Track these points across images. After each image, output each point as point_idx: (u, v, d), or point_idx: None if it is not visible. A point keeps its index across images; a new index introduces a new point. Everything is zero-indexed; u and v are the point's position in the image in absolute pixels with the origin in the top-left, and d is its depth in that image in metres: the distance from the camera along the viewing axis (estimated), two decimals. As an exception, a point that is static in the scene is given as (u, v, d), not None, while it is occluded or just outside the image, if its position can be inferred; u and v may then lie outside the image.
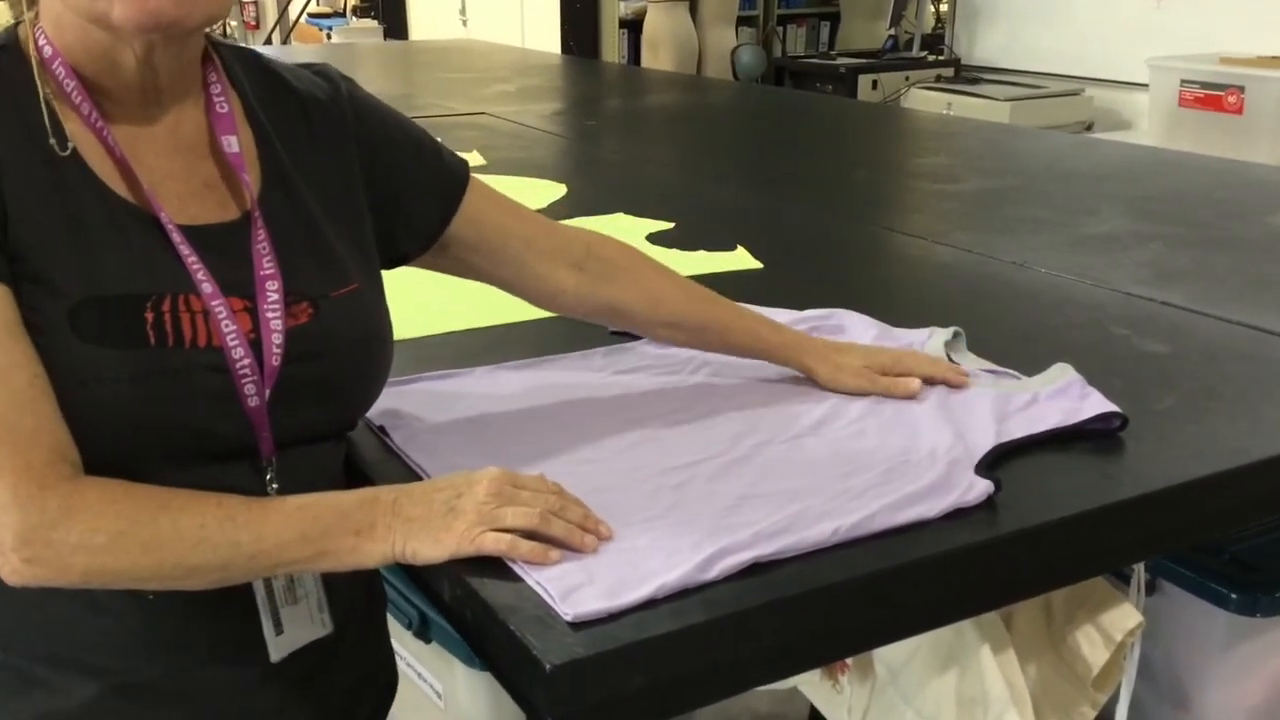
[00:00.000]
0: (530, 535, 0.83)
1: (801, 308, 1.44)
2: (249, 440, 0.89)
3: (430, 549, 0.83)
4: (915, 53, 5.59)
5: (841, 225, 1.94)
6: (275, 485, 0.90)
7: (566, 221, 1.94)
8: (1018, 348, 1.30)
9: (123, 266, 0.86)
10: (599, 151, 2.72)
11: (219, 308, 0.87)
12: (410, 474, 1.01)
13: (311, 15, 8.18)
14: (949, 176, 2.29)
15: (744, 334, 1.20)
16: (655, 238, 1.83)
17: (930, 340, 1.28)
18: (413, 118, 2.78)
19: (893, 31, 5.69)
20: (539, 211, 1.95)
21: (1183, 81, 4.23)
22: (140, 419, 0.84)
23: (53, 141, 0.85)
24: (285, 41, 7.43)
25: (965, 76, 5.25)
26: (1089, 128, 4.84)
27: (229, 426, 0.88)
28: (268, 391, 0.88)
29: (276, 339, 0.89)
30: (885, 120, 3.26)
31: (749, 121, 3.24)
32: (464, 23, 7.23)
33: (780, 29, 6.85)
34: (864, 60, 5.53)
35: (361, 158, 1.04)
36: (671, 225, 1.89)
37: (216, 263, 0.89)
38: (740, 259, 1.71)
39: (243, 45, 1.08)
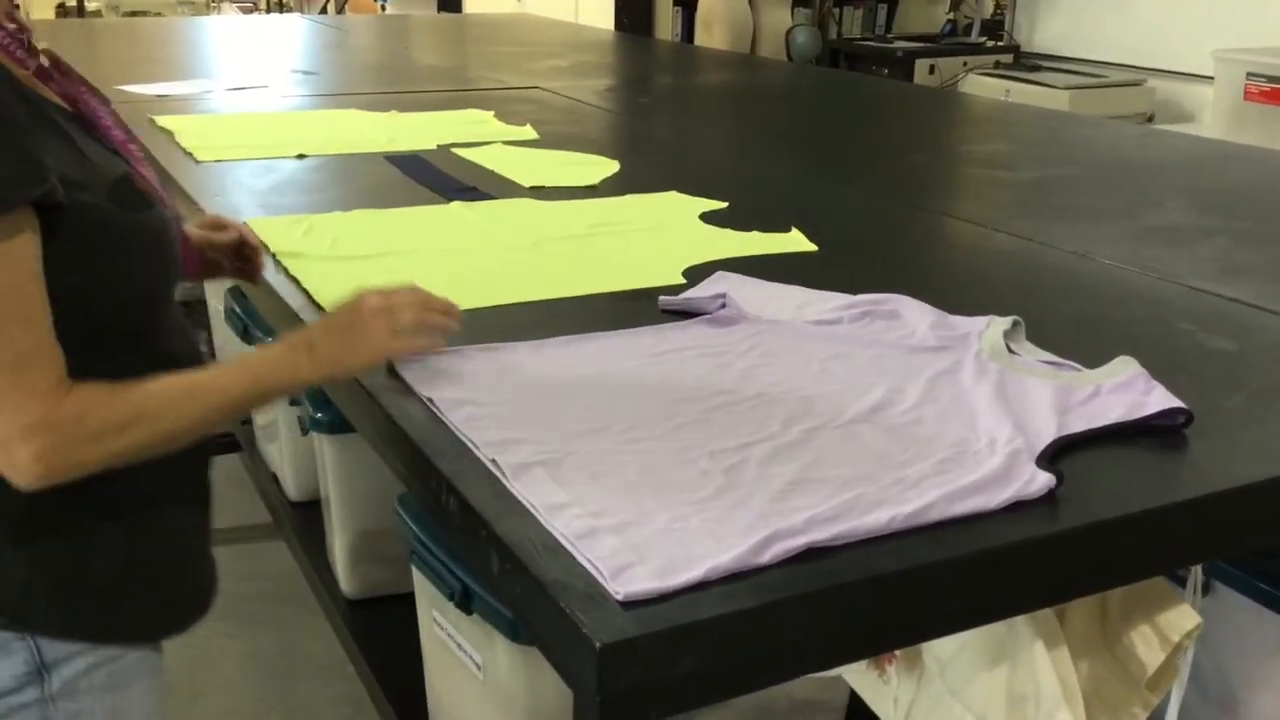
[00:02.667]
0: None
1: (856, 292, 1.41)
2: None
3: (355, 362, 1.09)
4: (974, 38, 5.50)
5: (898, 210, 1.91)
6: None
7: (619, 199, 1.94)
8: (1079, 339, 1.27)
9: (98, 156, 1.04)
10: (652, 129, 2.70)
11: (148, 173, 1.09)
12: (459, 444, 1.00)
13: (366, -14, 8.18)
14: (1008, 163, 2.25)
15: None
16: (708, 217, 1.81)
17: (989, 329, 1.25)
18: (465, 90, 2.81)
19: (952, 16, 5.61)
20: (593, 188, 1.94)
21: (1249, 75, 4.12)
22: (168, 262, 1.09)
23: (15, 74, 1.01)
24: (340, 11, 7.44)
25: (1024, 63, 5.16)
26: (1150, 119, 4.75)
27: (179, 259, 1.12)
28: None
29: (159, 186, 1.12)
30: (942, 105, 3.21)
31: (804, 103, 3.20)
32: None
33: (837, 10, 6.76)
34: (921, 44, 5.45)
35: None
36: (724, 205, 1.87)
37: (102, 137, 1.08)
38: (795, 241, 1.68)
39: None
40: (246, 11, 7.76)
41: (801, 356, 1.21)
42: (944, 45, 5.48)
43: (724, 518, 0.87)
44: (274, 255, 1.54)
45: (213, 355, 2.83)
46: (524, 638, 1.44)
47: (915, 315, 1.31)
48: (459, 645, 1.64)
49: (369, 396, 1.12)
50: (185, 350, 1.13)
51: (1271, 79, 4.04)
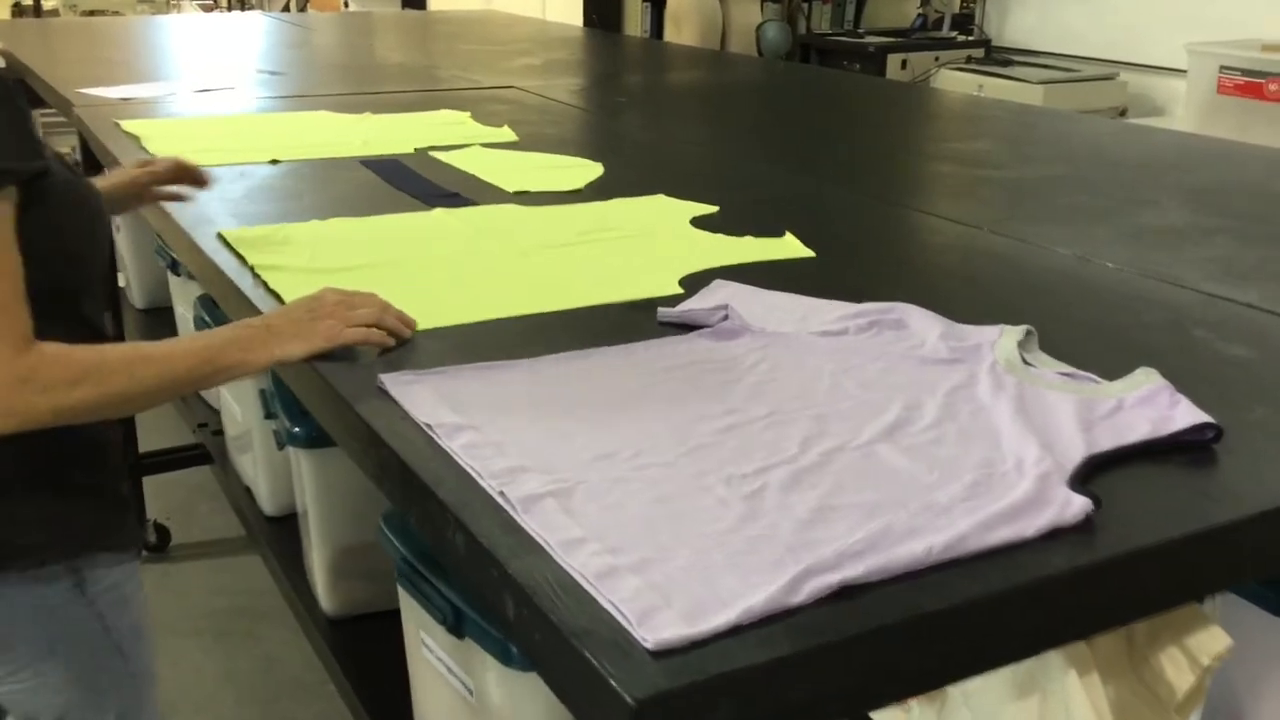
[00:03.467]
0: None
1: (859, 300, 1.37)
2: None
3: (302, 347, 1.14)
4: (945, 32, 5.48)
5: (889, 211, 1.87)
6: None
7: (606, 203, 1.89)
8: (1090, 348, 1.24)
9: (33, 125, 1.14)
10: (631, 129, 2.64)
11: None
12: (462, 473, 0.95)
13: (328, -18, 8.06)
14: (994, 162, 2.21)
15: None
16: (699, 222, 1.76)
17: (1001, 339, 1.21)
18: (439, 90, 2.75)
19: (922, 10, 5.59)
20: (578, 193, 1.88)
21: (1222, 68, 4.13)
22: (101, 228, 1.26)
23: None
24: (302, 9, 7.33)
25: (996, 58, 5.15)
26: (1123, 113, 4.75)
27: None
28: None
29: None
30: (920, 101, 3.18)
31: (781, 100, 3.16)
32: (484, -7, 7.12)
33: (805, 5, 6.74)
34: (893, 39, 5.42)
35: None
36: (715, 209, 1.82)
37: None
38: (790, 246, 1.64)
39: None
40: (207, 10, 7.62)
41: (811, 371, 1.16)
42: (915, 40, 5.46)
43: (748, 551, 0.82)
44: (252, 268, 1.48)
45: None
46: (517, 663, 1.39)
47: (923, 325, 1.27)
48: (449, 669, 1.59)
49: (362, 423, 1.06)
50: (101, 322, 1.26)
51: (1245, 72, 4.05)
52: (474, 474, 0.94)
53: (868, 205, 1.91)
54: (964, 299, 1.40)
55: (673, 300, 1.39)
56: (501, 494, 0.90)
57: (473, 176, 2.03)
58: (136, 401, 1.11)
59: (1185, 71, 4.35)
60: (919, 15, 5.75)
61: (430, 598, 1.54)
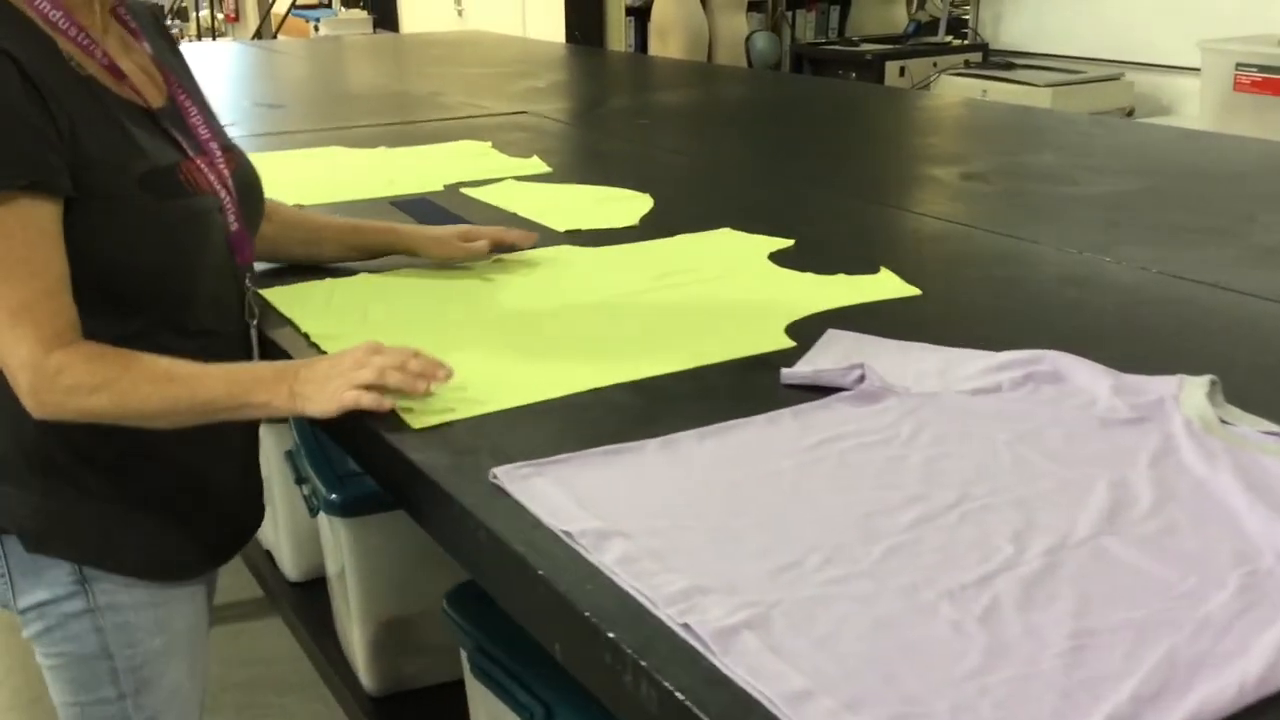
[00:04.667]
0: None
1: (989, 345, 1.23)
2: (231, 256, 1.25)
3: (314, 407, 1.10)
4: (940, 37, 5.37)
5: (980, 238, 1.72)
6: (250, 286, 1.29)
7: (671, 241, 1.74)
8: (1267, 395, 1.10)
9: (149, 145, 1.16)
10: (661, 153, 2.49)
11: (203, 166, 1.21)
12: (624, 598, 0.79)
13: (297, 6, 7.89)
14: (1066, 177, 2.08)
15: (348, 230, 1.56)
16: (779, 258, 1.61)
17: (1185, 392, 1.07)
18: (450, 119, 2.54)
19: (917, 16, 5.48)
20: (634, 228, 1.73)
21: (1238, 65, 4.03)
22: (193, 246, 1.19)
23: (71, 65, 1.13)
24: (274, 36, 7.14)
25: (996, 61, 5.04)
26: (1130, 113, 4.65)
27: (223, 247, 1.23)
28: (238, 218, 1.25)
29: (229, 181, 1.25)
30: (955, 112, 3.05)
31: (807, 115, 3.02)
32: (459, 12, 6.96)
33: (790, 14, 6.63)
34: (888, 46, 5.31)
35: (179, 59, 1.36)
36: (790, 243, 1.67)
37: (180, 134, 1.22)
38: (890, 284, 1.49)
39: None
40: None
41: (982, 441, 1.01)
42: (911, 46, 5.34)
43: (1018, 699, 0.67)
44: (306, 337, 1.32)
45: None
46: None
47: (1086, 377, 1.12)
48: (536, 770, 1.43)
49: (487, 533, 0.90)
50: (219, 330, 1.22)
51: (1262, 68, 3.95)
52: (642, 599, 0.79)
53: (953, 232, 1.76)
54: (1105, 340, 1.26)
55: (785, 354, 1.24)
56: (686, 626, 0.75)
57: (514, 215, 1.87)
58: (156, 419, 1.12)
59: (1192, 69, 4.26)
60: (912, 21, 5.64)
61: (513, 693, 1.38)
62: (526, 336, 1.31)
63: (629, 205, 1.91)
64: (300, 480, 2.01)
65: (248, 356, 1.30)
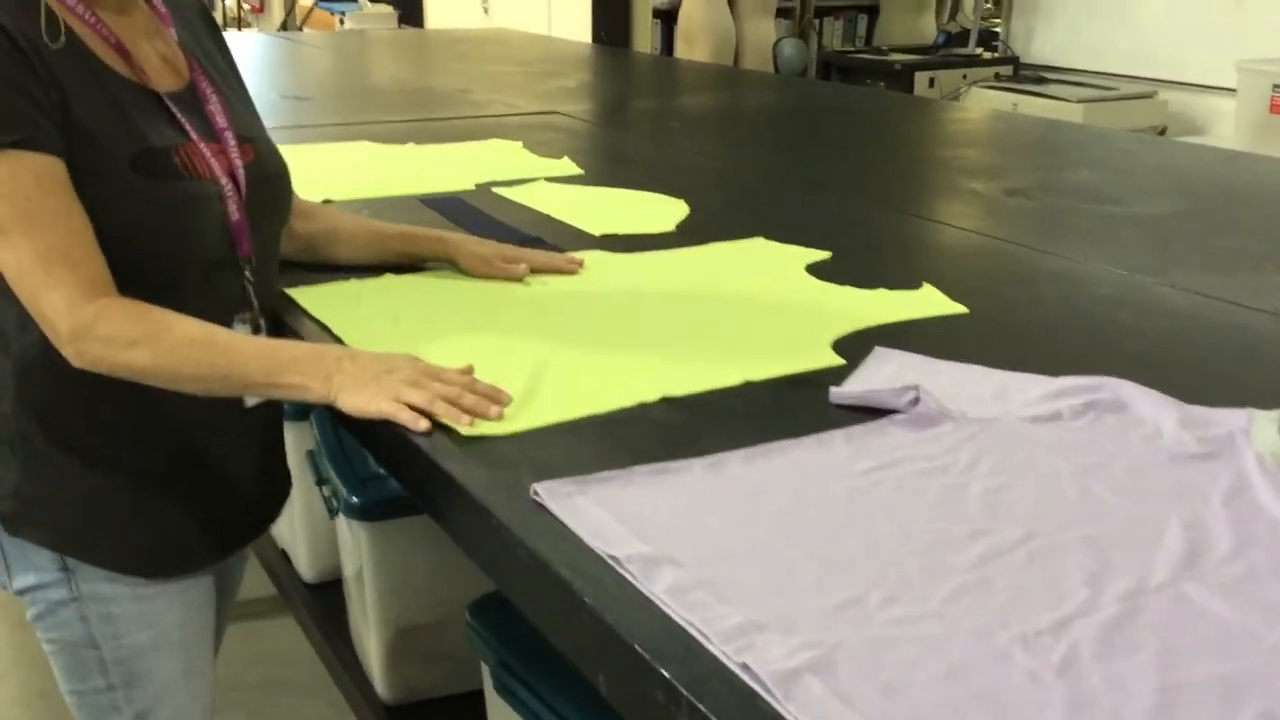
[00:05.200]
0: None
1: (1042, 369, 1.18)
2: (231, 247, 1.21)
3: (351, 401, 1.06)
4: (970, 49, 5.32)
5: (1026, 256, 1.67)
6: (251, 279, 1.23)
7: (705, 249, 1.69)
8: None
9: (148, 126, 1.14)
10: (692, 158, 2.45)
11: (206, 152, 1.19)
12: (674, 629, 0.75)
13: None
14: (1110, 196, 2.03)
15: (397, 237, 1.51)
16: (816, 270, 1.56)
17: (1255, 426, 1.02)
18: (480, 117, 2.51)
19: (948, 26, 5.43)
20: (669, 235, 1.68)
21: (1275, 86, 3.98)
22: (183, 230, 1.16)
23: (62, 39, 1.10)
24: (299, 28, 7.12)
25: (1026, 75, 4.99)
26: (1162, 131, 4.59)
27: (219, 235, 1.19)
28: (240, 209, 1.20)
29: (240, 172, 1.22)
30: (985, 125, 3.00)
31: (841, 123, 2.97)
32: (485, 9, 6.93)
33: (817, 22, 6.58)
34: (918, 57, 5.26)
35: (219, 46, 1.35)
36: (827, 255, 1.62)
37: (190, 119, 1.20)
38: (934, 300, 1.45)
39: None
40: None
41: (1045, 472, 0.97)
42: (941, 57, 5.29)
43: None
44: (340, 341, 1.28)
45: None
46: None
47: (1150, 407, 1.08)
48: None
49: (529, 553, 0.86)
50: (207, 317, 1.14)
51: (1301, 90, 3.89)
52: (695, 633, 0.74)
53: (996, 248, 1.72)
54: (1164, 368, 1.21)
55: (832, 372, 1.20)
56: (745, 666, 0.70)
57: (547, 217, 1.83)
58: (188, 383, 1.11)
59: (1227, 89, 4.21)
60: (942, 32, 5.59)
61: (538, 713, 1.34)
62: (566, 347, 1.26)
63: (663, 210, 1.87)
64: (321, 481, 1.97)
65: None
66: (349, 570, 2.06)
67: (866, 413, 1.09)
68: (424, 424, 1.04)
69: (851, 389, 1.12)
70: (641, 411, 1.11)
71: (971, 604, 0.77)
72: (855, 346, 1.27)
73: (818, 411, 1.11)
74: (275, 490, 1.41)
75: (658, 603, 0.78)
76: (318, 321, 1.34)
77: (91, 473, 1.18)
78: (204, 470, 1.25)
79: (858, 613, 0.76)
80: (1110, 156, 2.44)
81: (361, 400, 1.06)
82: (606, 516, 0.88)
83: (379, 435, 1.09)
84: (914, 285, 1.49)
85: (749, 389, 1.16)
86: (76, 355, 1.08)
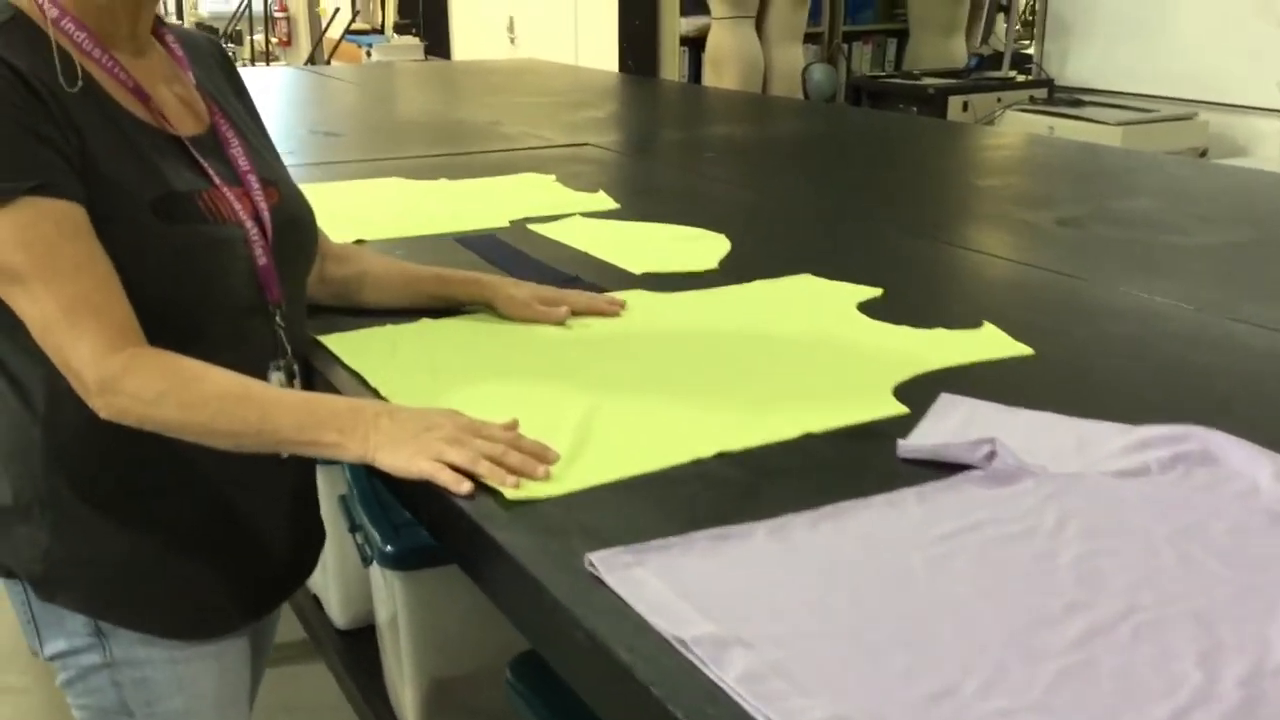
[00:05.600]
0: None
1: (1119, 416, 1.11)
2: (260, 292, 1.16)
3: (390, 459, 1.01)
4: (1004, 72, 5.25)
5: (1092, 293, 1.60)
6: (282, 325, 1.19)
7: (750, 286, 1.63)
8: None
9: (169, 171, 1.11)
10: (729, 189, 2.39)
11: (230, 195, 1.15)
12: (725, 703, 0.68)
13: (349, 32, 7.91)
14: (1170, 225, 1.96)
15: (432, 280, 1.46)
16: (869, 309, 1.50)
17: (1364, 482, 0.95)
18: (511, 150, 2.46)
19: (980, 50, 5.36)
20: (712, 272, 1.61)
21: (1322, 106, 3.89)
22: (208, 276, 1.12)
23: (92, 83, 1.08)
24: (328, 62, 7.14)
25: (1062, 98, 4.91)
26: (1203, 154, 4.50)
27: (247, 280, 1.15)
28: (267, 253, 1.16)
29: (265, 215, 1.18)
30: (1027, 151, 2.93)
31: (875, 150, 2.91)
32: (512, 40, 6.93)
33: (845, 46, 6.54)
34: (951, 81, 5.19)
35: (238, 92, 1.32)
36: (879, 292, 1.56)
37: (212, 163, 1.16)
38: (996, 341, 1.37)
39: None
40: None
41: (1140, 535, 0.90)
42: (974, 81, 5.22)
43: None
44: (375, 392, 1.22)
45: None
46: None
47: (1241, 459, 1.01)
48: None
49: (586, 635, 0.79)
50: (239, 366, 1.09)
51: (1348, 111, 3.80)
52: (737, 697, 0.68)
53: (1055, 283, 1.64)
54: (1249, 414, 1.14)
55: (897, 423, 1.13)
56: (833, 771, 0.64)
57: (585, 254, 1.77)
58: (218, 438, 1.05)
59: (1270, 110, 4.12)
60: (974, 55, 5.52)
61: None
62: (613, 397, 1.20)
63: (704, 246, 1.81)
64: (354, 528, 1.92)
65: None
66: (383, 617, 2.01)
67: (937, 468, 1.02)
68: (466, 486, 0.98)
69: (921, 442, 1.05)
70: (696, 468, 1.04)
71: (1077, 693, 0.70)
72: (918, 392, 1.20)
73: (884, 466, 1.04)
74: (310, 543, 1.36)
75: (730, 693, 0.71)
76: (351, 370, 1.29)
77: (124, 532, 1.14)
78: (238, 525, 1.21)
79: (953, 707, 0.69)
80: (1162, 182, 2.36)
81: (401, 459, 1.00)
82: (667, 591, 0.81)
83: (419, 496, 1.03)
84: (973, 324, 1.43)
85: (809, 441, 1.10)
86: (105, 408, 1.03)
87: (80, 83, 1.07)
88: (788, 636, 0.76)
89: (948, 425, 1.10)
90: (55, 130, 1.03)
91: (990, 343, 1.37)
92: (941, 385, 1.22)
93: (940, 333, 1.41)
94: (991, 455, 1.01)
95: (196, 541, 1.17)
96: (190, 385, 1.03)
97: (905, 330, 1.42)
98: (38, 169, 1.02)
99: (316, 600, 2.33)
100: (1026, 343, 1.36)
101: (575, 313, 1.43)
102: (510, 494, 0.98)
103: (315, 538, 1.37)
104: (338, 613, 2.24)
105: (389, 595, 1.89)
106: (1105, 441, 1.06)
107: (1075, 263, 1.72)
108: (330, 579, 2.22)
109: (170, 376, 1.03)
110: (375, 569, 1.90)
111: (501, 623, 1.14)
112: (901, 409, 1.16)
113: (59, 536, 1.13)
